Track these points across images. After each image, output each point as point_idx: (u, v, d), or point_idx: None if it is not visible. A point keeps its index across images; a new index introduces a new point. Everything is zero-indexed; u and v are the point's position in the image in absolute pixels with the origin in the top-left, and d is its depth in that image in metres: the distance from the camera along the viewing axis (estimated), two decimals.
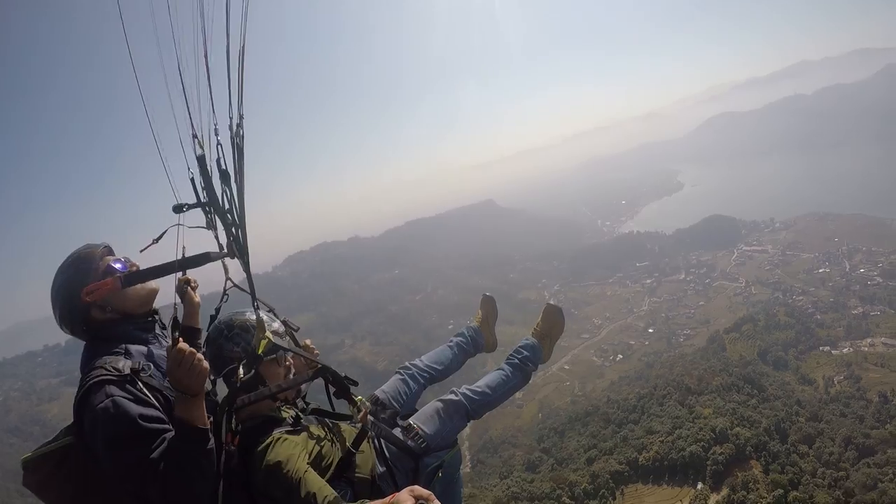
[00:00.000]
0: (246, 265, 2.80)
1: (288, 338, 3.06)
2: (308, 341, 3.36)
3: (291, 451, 2.48)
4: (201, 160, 2.72)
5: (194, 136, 2.70)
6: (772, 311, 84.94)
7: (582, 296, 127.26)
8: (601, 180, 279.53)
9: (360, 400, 3.00)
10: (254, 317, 2.78)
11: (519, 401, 78.91)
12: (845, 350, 71.59)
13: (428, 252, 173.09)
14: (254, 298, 2.85)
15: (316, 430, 2.81)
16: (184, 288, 3.40)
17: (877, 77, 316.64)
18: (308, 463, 2.50)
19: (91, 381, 2.34)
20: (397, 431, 3.32)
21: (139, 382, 2.40)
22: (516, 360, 4.15)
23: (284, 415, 2.80)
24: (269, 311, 3.07)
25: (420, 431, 3.34)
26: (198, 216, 2.89)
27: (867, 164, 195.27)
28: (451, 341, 4.44)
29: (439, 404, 3.59)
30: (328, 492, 2.31)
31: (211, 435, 2.27)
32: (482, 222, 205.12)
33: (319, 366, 3.04)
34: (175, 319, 2.30)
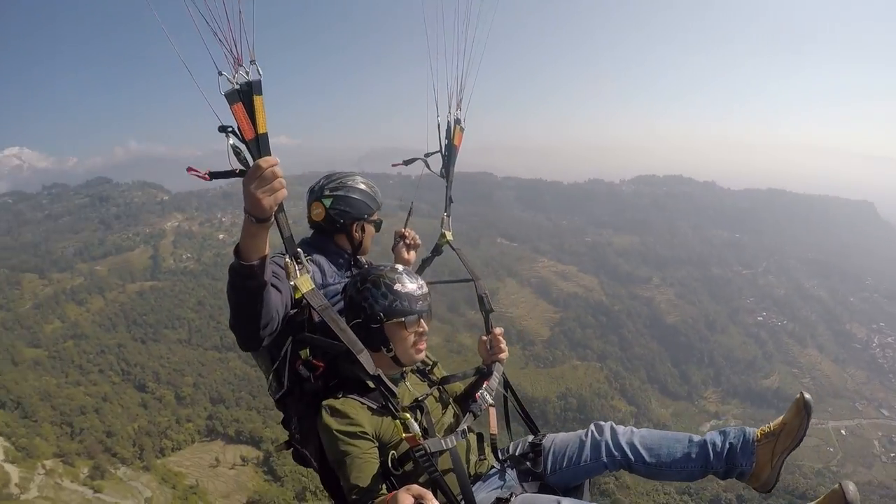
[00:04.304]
0: (448, 185, 3.52)
1: (424, 301, 2.60)
2: (499, 331, 3.02)
3: (351, 416, 2.33)
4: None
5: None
6: None
7: None
8: None
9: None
10: (393, 274, 2.60)
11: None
12: None
13: (778, 229, 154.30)
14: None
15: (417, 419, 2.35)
16: (397, 240, 3.43)
17: None
18: (374, 440, 2.35)
19: None
20: (494, 490, 2.60)
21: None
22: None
23: (403, 392, 2.53)
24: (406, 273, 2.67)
25: None
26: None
27: None
28: (700, 437, 2.69)
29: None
30: (362, 483, 2.21)
31: (260, 276, 2.08)
32: (851, 225, 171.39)
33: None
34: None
